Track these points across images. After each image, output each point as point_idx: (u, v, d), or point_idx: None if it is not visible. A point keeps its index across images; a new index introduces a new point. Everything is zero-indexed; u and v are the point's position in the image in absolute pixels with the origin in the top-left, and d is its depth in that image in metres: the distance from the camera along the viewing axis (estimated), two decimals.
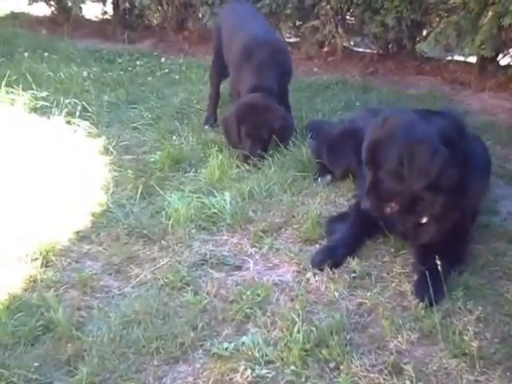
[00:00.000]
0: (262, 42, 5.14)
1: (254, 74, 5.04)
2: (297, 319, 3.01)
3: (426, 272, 3.24)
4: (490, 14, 5.91)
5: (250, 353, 2.86)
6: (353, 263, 3.52)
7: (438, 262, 3.13)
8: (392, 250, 3.70)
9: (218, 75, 5.79)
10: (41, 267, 3.53)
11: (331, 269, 3.48)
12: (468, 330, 2.94)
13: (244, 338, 2.95)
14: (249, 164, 4.74)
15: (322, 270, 3.48)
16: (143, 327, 3.04)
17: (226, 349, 2.90)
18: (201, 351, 2.92)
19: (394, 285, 3.38)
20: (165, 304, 3.22)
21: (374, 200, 3.40)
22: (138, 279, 3.47)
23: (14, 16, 10.65)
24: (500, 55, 6.72)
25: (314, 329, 2.97)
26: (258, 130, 4.87)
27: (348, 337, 2.96)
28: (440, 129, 3.33)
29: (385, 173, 3.34)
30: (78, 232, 3.92)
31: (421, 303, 3.14)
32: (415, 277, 3.39)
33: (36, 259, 3.60)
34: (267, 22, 5.84)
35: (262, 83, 4.99)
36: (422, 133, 3.28)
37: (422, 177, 3.25)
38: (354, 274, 3.45)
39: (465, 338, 2.89)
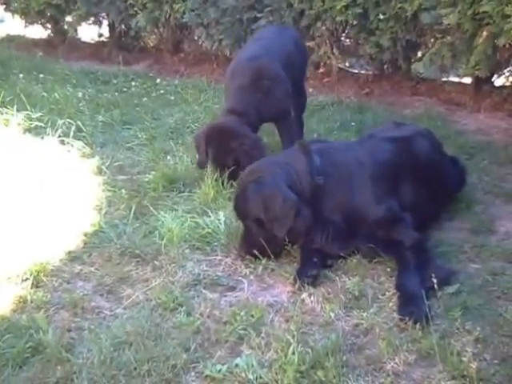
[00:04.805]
0: (247, 65, 5.03)
1: (232, 97, 4.99)
2: (292, 340, 2.95)
3: (402, 289, 3.36)
4: (485, 34, 5.91)
5: (243, 375, 2.80)
6: (349, 283, 3.48)
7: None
8: (388, 269, 3.65)
9: None
10: (31, 288, 3.48)
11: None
12: (467, 351, 2.87)
13: (238, 360, 2.89)
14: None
15: (314, 286, 3.47)
16: (135, 349, 2.97)
17: (220, 371, 2.83)
18: (193, 373, 2.86)
19: (390, 305, 3.32)
20: (157, 325, 3.16)
21: (246, 247, 3.79)
22: (130, 300, 3.41)
23: (9, 39, 10.65)
24: (495, 76, 6.71)
25: (309, 350, 2.91)
26: (222, 157, 4.74)
27: (344, 358, 2.90)
28: (288, 174, 3.74)
29: (250, 224, 3.77)
30: (69, 252, 3.87)
31: (417, 324, 3.08)
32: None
33: (26, 279, 3.55)
34: (281, 45, 5.35)
35: (237, 107, 4.88)
36: (270, 186, 3.68)
37: (283, 225, 3.67)
38: (349, 295, 3.40)
39: (463, 359, 2.81)
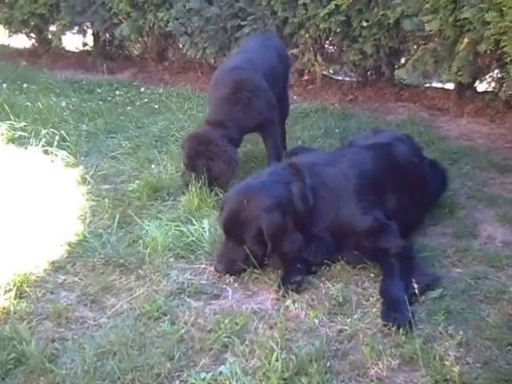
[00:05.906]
0: (228, 76, 5.04)
1: (212, 108, 5.04)
2: (275, 347, 2.95)
3: (385, 295, 3.38)
4: (466, 40, 5.97)
5: (227, 383, 2.79)
6: (333, 289, 3.49)
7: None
8: (372, 275, 3.67)
9: None
10: (14, 299, 3.45)
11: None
12: (449, 355, 2.88)
13: (222, 368, 2.89)
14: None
15: (298, 293, 3.48)
16: (118, 358, 2.96)
17: (204, 379, 2.83)
18: (177, 382, 2.85)
19: (374, 311, 3.32)
20: (141, 334, 3.15)
21: (226, 263, 3.72)
22: (113, 309, 3.39)
23: None
24: (477, 81, 6.78)
25: (293, 357, 2.91)
26: (192, 161, 4.80)
27: (328, 364, 2.91)
28: (289, 202, 3.71)
29: (249, 243, 3.68)
30: (53, 262, 3.85)
31: (401, 329, 3.10)
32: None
33: (9, 290, 3.52)
34: (264, 56, 5.32)
35: (216, 118, 4.92)
36: (280, 218, 3.63)
37: (291, 251, 3.66)
38: (333, 301, 3.41)
39: (446, 363, 2.83)
